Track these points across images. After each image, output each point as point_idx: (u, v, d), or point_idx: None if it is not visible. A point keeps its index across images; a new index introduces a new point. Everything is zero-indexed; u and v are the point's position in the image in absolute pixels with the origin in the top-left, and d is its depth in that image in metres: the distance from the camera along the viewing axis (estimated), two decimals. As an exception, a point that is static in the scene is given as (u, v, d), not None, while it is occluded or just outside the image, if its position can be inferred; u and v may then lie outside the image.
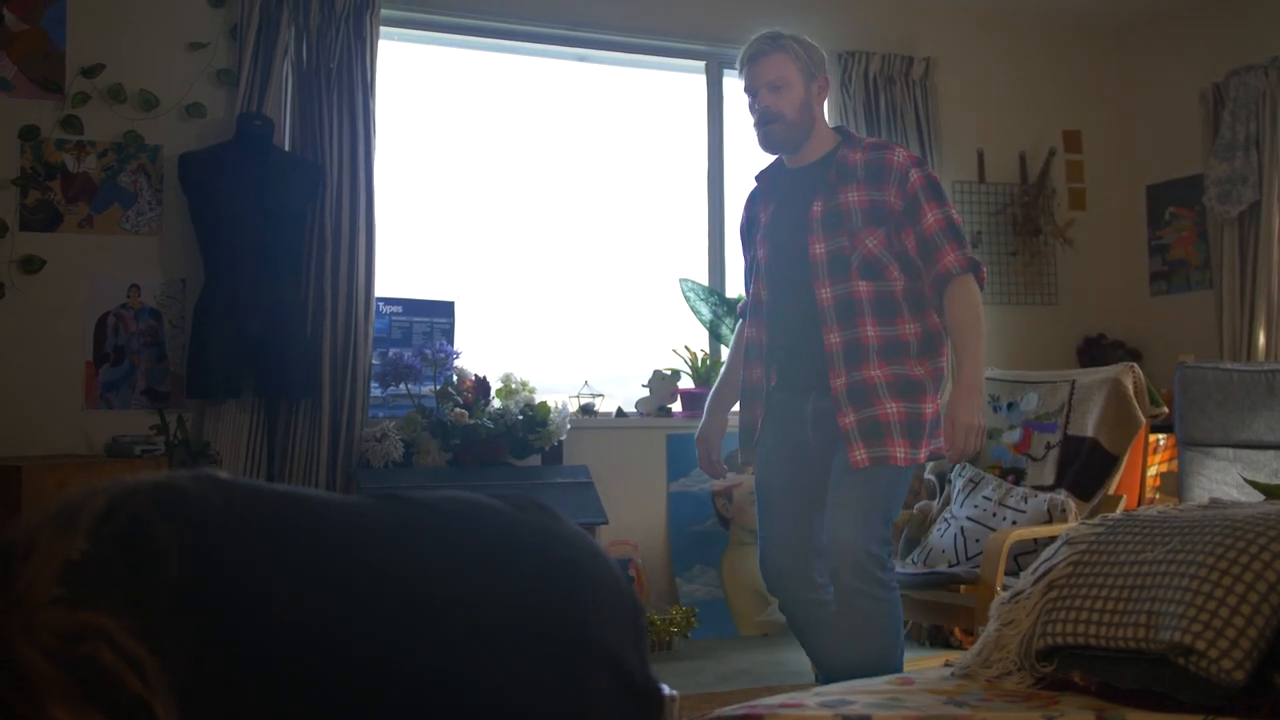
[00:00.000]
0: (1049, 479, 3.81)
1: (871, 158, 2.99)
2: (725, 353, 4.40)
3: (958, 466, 4.02)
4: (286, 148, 4.32)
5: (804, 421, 2.99)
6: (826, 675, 2.90)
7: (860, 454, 2.83)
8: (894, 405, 2.85)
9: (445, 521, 1.10)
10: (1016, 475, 3.91)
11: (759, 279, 3.10)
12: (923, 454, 2.89)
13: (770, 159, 3.19)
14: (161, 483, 0.95)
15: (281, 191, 4.18)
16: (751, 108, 3.07)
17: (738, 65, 3.10)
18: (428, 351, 4.40)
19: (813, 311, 2.93)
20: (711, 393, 3.32)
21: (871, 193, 2.94)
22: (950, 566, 3.70)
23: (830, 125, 3.12)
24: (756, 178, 3.22)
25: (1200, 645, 1.87)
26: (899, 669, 2.78)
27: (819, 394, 2.94)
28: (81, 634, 0.78)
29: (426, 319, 4.60)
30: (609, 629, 1.11)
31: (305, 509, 1.03)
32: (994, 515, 3.74)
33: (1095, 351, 5.76)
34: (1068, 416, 3.86)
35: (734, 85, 5.33)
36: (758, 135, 3.08)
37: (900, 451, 2.83)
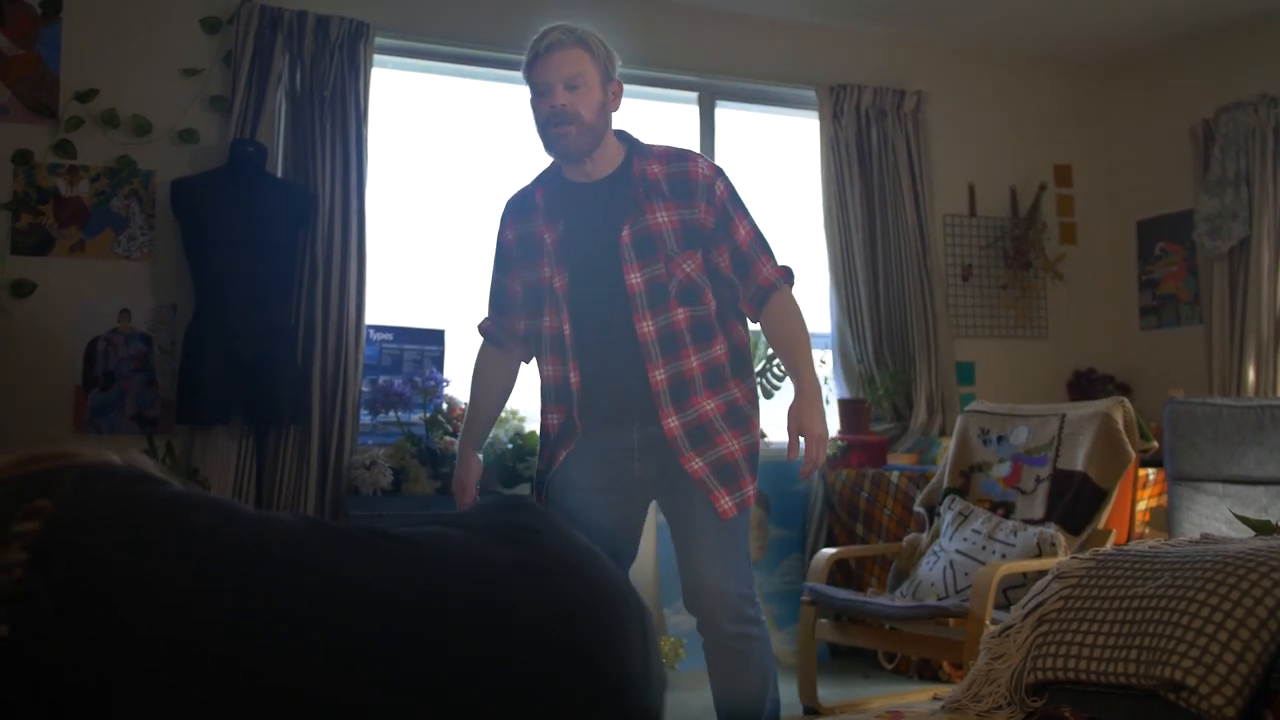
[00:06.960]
0: (1038, 513, 3.80)
1: (673, 170, 2.78)
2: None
3: (948, 499, 4.02)
4: (279, 175, 4.32)
5: (629, 452, 2.78)
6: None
7: (726, 503, 2.72)
8: (735, 441, 2.76)
9: (419, 551, 1.10)
10: (1006, 509, 3.91)
11: (555, 310, 2.81)
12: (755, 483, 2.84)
13: (542, 167, 2.91)
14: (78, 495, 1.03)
15: (273, 218, 4.18)
16: (537, 107, 2.76)
17: (528, 59, 2.75)
18: (418, 379, 4.39)
19: (632, 348, 2.72)
20: (462, 434, 3.05)
21: (681, 211, 2.74)
22: (939, 600, 3.68)
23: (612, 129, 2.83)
24: (534, 189, 2.89)
25: (1191, 681, 1.86)
26: (777, 697, 2.80)
27: (643, 423, 2.75)
28: None
29: (417, 347, 4.59)
30: (612, 641, 1.10)
31: (285, 535, 1.05)
32: (983, 549, 3.73)
33: (1085, 385, 5.77)
34: (1057, 450, 3.86)
35: (727, 116, 5.38)
36: (548, 138, 2.76)
37: (750, 490, 2.78)
